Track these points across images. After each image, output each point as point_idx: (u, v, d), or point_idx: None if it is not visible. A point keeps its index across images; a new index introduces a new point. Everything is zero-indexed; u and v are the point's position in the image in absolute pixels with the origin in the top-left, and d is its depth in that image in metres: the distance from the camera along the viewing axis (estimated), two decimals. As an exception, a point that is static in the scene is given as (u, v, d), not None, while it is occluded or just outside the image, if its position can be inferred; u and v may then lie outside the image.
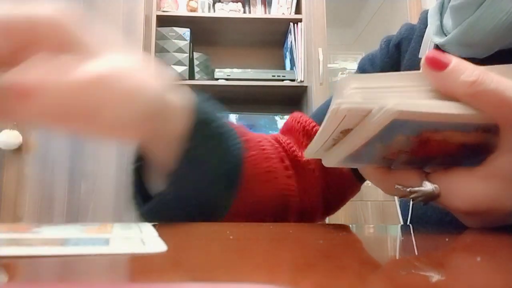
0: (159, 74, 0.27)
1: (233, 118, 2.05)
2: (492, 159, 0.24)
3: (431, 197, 0.26)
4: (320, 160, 0.44)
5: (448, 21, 0.42)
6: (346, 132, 0.25)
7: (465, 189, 0.25)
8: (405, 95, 0.24)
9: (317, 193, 0.43)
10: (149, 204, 0.32)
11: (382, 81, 0.24)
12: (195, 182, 0.31)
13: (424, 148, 0.25)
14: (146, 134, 0.28)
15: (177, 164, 0.30)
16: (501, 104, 0.22)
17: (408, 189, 0.26)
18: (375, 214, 1.83)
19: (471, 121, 0.23)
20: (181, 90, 0.30)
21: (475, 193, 0.24)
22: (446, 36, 0.41)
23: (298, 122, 0.46)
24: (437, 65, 0.23)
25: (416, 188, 0.25)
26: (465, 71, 0.23)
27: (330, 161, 0.27)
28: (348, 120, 0.24)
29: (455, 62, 0.24)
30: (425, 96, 0.24)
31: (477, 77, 0.23)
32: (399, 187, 0.26)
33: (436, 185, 0.25)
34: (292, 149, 0.43)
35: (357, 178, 0.46)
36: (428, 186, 0.25)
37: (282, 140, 0.44)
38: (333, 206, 0.46)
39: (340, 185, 0.45)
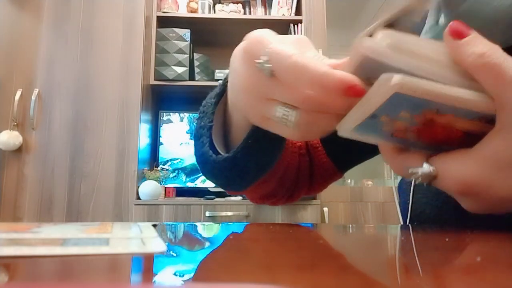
0: None
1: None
2: (486, 140, 0.24)
3: (429, 178, 0.26)
4: (310, 147, 0.50)
5: (442, 20, 0.43)
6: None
7: (458, 170, 0.25)
8: (423, 64, 0.24)
9: (306, 176, 0.51)
10: (227, 155, 0.36)
11: (410, 40, 0.25)
12: (259, 149, 0.36)
13: (429, 131, 0.25)
14: None
15: (251, 133, 0.35)
16: (500, 81, 0.23)
17: (410, 170, 0.26)
18: (375, 215, 1.83)
19: (470, 107, 0.23)
20: None
21: (467, 174, 0.25)
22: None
23: None
24: (457, 34, 0.24)
25: (416, 169, 0.26)
26: (479, 45, 0.24)
27: (344, 129, 0.28)
28: (365, 67, 0.24)
29: (473, 35, 0.24)
30: (437, 65, 0.24)
31: (487, 50, 0.23)
32: (405, 167, 0.27)
33: (433, 167, 0.26)
34: None
35: (338, 169, 0.52)
36: (426, 168, 0.26)
37: None
38: (316, 187, 0.53)
39: (323, 172, 0.52)
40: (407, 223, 0.47)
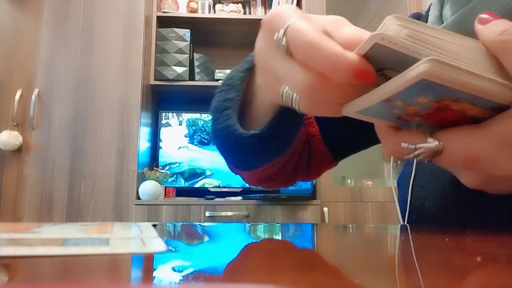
0: None
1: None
2: (498, 118, 0.24)
3: (434, 153, 0.26)
4: (307, 134, 0.51)
5: (448, 11, 0.43)
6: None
7: (465, 142, 0.25)
8: (445, 52, 0.24)
9: (305, 162, 0.52)
10: (254, 131, 0.37)
11: (428, 30, 0.24)
12: (284, 130, 0.38)
13: (438, 116, 0.25)
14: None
15: (279, 113, 0.36)
16: None
17: (413, 146, 0.26)
18: (375, 215, 1.83)
19: (494, 98, 0.23)
20: None
21: (474, 147, 0.25)
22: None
23: None
24: (485, 21, 0.25)
25: (421, 145, 0.26)
26: (501, 23, 0.24)
27: (350, 109, 0.28)
28: (379, 54, 0.24)
29: (500, 19, 0.25)
30: (463, 59, 0.24)
31: (509, 28, 0.24)
32: (405, 145, 0.27)
33: (440, 142, 0.26)
34: None
35: (334, 158, 0.54)
36: (431, 142, 0.26)
37: None
38: (311, 174, 0.55)
39: (319, 161, 0.53)
40: (406, 217, 0.47)
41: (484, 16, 0.25)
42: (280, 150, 0.40)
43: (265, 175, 0.48)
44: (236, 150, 0.40)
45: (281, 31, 0.27)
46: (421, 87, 0.22)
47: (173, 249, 0.18)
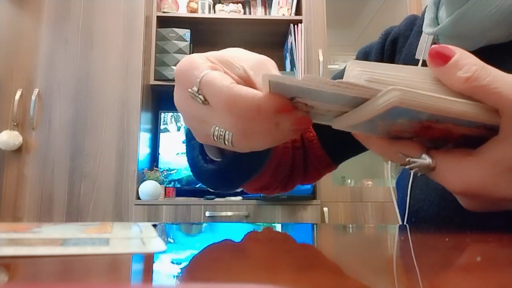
0: None
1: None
2: (489, 145, 0.24)
3: (426, 169, 0.26)
4: (302, 141, 0.51)
5: (443, 14, 0.43)
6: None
7: (458, 170, 0.25)
8: (408, 85, 0.24)
9: (301, 168, 0.52)
10: (213, 167, 0.38)
11: (387, 69, 0.25)
12: (243, 161, 0.37)
13: (427, 133, 0.25)
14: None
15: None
16: (498, 98, 0.23)
17: (407, 159, 0.27)
18: (375, 215, 1.83)
19: (473, 119, 0.23)
20: None
21: (466, 176, 0.25)
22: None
23: None
24: (440, 59, 0.24)
25: (415, 159, 0.26)
26: (463, 67, 0.24)
27: (339, 125, 0.28)
28: (347, 97, 0.24)
29: (456, 57, 0.24)
30: (428, 89, 0.24)
31: (473, 73, 0.23)
32: (401, 155, 0.27)
33: (433, 159, 0.26)
34: None
35: (333, 161, 0.53)
36: (426, 159, 0.26)
37: None
38: (310, 178, 0.55)
39: (317, 165, 0.53)
40: (405, 220, 0.47)
41: (438, 53, 0.24)
42: (246, 177, 0.40)
43: (257, 186, 0.48)
44: (205, 179, 0.40)
45: (195, 87, 0.27)
46: (395, 111, 0.23)
47: (173, 249, 0.18)
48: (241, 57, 0.29)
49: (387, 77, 0.24)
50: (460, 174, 0.25)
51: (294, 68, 1.97)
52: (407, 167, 0.27)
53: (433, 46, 0.25)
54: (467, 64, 0.24)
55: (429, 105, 0.22)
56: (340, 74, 0.53)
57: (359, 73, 0.24)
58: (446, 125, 0.24)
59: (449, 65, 0.24)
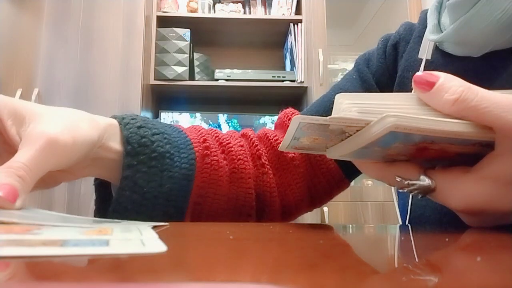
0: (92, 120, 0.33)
1: (233, 119, 2.05)
2: (486, 161, 0.25)
3: (427, 191, 0.26)
4: (306, 156, 0.47)
5: (446, 19, 0.43)
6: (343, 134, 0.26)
7: (458, 189, 0.25)
8: (400, 112, 0.24)
9: (301, 188, 0.45)
10: (110, 207, 0.37)
11: (374, 99, 0.25)
12: (134, 202, 0.35)
13: (423, 154, 0.25)
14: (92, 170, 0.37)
15: (119, 190, 0.35)
16: (489, 119, 0.23)
17: (406, 182, 0.27)
18: (375, 214, 1.83)
19: (468, 137, 0.24)
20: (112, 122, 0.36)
21: (468, 194, 0.25)
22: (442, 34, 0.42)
23: (289, 118, 0.48)
24: (424, 85, 0.24)
25: (414, 181, 0.26)
26: (449, 89, 0.24)
27: (333, 154, 0.28)
28: (339, 130, 0.25)
29: (441, 81, 0.24)
30: (418, 114, 0.25)
31: (459, 94, 0.23)
32: (399, 179, 0.27)
33: (432, 180, 0.26)
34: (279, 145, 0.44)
35: (346, 176, 0.47)
36: (425, 181, 0.26)
37: (270, 136, 0.45)
38: (318, 201, 0.48)
39: (327, 182, 0.47)
40: (406, 224, 0.47)
41: (421, 81, 0.25)
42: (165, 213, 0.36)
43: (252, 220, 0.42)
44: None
45: None
46: (392, 136, 0.23)
47: (173, 249, 0.18)
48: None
49: (377, 107, 0.25)
50: (461, 192, 0.25)
51: (294, 68, 1.97)
52: (406, 190, 0.27)
53: (416, 73, 0.25)
54: (453, 86, 0.24)
55: (425, 128, 0.23)
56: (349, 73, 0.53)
57: (348, 106, 0.25)
58: (442, 145, 0.24)
59: (435, 89, 0.24)
